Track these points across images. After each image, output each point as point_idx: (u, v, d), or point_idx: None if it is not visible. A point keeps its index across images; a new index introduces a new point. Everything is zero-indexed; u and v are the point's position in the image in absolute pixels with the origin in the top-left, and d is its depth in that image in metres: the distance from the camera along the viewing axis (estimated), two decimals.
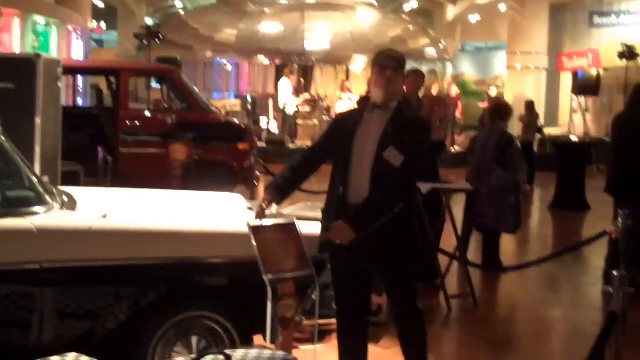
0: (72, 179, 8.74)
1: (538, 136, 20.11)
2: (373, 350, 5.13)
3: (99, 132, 12.18)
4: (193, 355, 3.43)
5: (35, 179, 4.83)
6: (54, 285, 4.36)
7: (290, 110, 22.11)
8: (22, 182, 4.78)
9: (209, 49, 26.19)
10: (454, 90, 23.99)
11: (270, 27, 26.36)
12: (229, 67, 26.42)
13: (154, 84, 14.80)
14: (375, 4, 30.63)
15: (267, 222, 4.57)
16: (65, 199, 5.07)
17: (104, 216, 4.60)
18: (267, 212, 4.65)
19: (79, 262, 4.39)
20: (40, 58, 7.54)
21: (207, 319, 4.63)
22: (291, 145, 21.21)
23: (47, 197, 4.74)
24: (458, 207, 9.03)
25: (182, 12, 35.57)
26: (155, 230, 4.68)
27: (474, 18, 35.15)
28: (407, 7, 36.43)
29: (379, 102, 4.58)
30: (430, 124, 8.56)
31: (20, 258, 4.31)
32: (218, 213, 5.40)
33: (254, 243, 4.39)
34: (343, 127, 4.66)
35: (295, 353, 4.47)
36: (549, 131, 23.64)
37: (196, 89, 13.72)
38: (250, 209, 5.67)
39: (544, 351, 6.58)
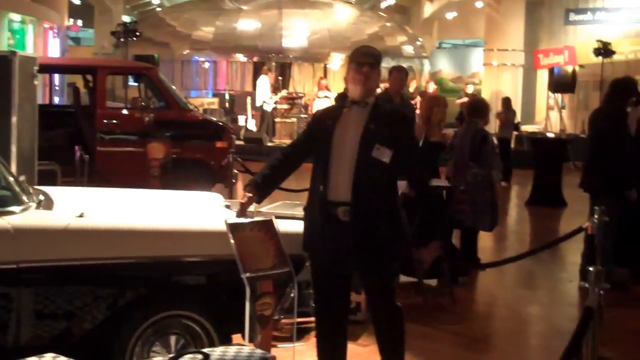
0: (49, 178, 8.70)
1: (515, 133, 20.21)
2: (352, 347, 5.13)
3: (76, 131, 12.11)
4: (171, 355, 3.43)
5: (11, 178, 4.80)
6: (31, 285, 4.33)
7: (268, 108, 22.08)
8: None
9: (186, 47, 26.12)
10: (432, 88, 24.02)
11: (247, 25, 26.33)
12: (207, 65, 26.35)
13: (132, 82, 14.72)
14: (352, 1, 30.68)
15: (245, 220, 4.56)
16: (42, 198, 5.05)
17: (81, 215, 4.58)
18: (247, 210, 4.65)
19: (56, 261, 4.37)
20: (16, 56, 7.50)
21: (185, 318, 4.62)
22: (269, 143, 21.19)
23: (24, 197, 4.71)
24: None
25: (159, 10, 35.48)
26: (132, 229, 4.67)
27: (450, 15, 35.25)
28: (383, 4, 36.49)
29: (356, 98, 4.59)
30: (412, 116, 8.60)
31: None
32: (196, 211, 5.39)
33: (232, 241, 4.38)
34: (322, 125, 4.66)
35: (273, 351, 4.48)
36: (526, 128, 23.76)
37: (174, 87, 13.67)
38: (228, 207, 5.67)
39: (521, 347, 6.62)
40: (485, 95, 25.64)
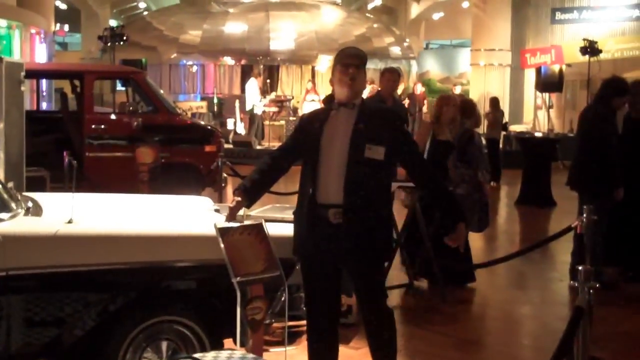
0: (37, 185, 8.68)
1: (503, 133, 20.25)
2: (343, 351, 5.13)
3: (64, 137, 12.08)
4: None
5: None
6: (20, 293, 4.32)
7: (258, 111, 22.07)
8: None
9: (173, 51, 26.11)
10: (420, 89, 24.09)
11: (234, 28, 26.35)
12: (194, 69, 26.34)
13: (119, 87, 14.70)
14: (339, 2, 30.71)
15: (234, 224, 4.55)
16: (31, 204, 5.03)
17: (70, 222, 4.56)
18: (236, 215, 4.65)
19: (45, 268, 4.35)
20: (2, 62, 7.48)
21: (176, 323, 4.61)
22: (258, 147, 21.19)
23: (12, 204, 4.70)
24: None
25: (146, 14, 35.44)
26: (122, 234, 4.65)
27: (437, 15, 35.36)
28: (370, 5, 36.57)
29: (344, 100, 4.58)
30: (405, 117, 8.62)
31: None
32: (185, 216, 5.38)
33: (222, 245, 4.37)
34: (309, 128, 4.64)
35: (265, 356, 4.47)
36: (514, 128, 23.82)
37: (162, 91, 13.66)
38: (218, 211, 5.66)
39: (513, 347, 6.62)
40: (473, 95, 25.72)
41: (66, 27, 37.49)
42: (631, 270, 8.41)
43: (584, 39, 22.23)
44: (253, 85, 22.22)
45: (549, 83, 22.00)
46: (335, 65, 4.63)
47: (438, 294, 7.67)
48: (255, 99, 21.97)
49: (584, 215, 5.18)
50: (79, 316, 4.41)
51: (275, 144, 21.17)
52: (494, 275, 8.71)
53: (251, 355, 3.51)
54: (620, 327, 6.97)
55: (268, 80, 24.72)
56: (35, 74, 13.48)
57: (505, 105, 23.85)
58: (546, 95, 25.52)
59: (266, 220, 4.72)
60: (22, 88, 8.10)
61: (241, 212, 4.76)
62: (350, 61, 4.57)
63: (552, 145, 16.05)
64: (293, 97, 24.04)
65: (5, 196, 4.70)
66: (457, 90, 24.36)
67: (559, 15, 28.17)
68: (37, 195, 5.47)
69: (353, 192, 4.43)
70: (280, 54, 25.93)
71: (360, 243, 4.46)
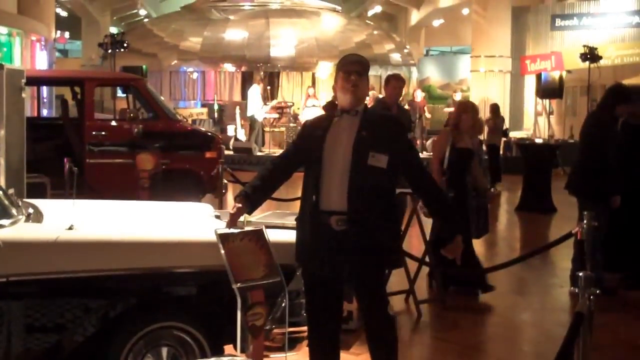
0: (38, 191, 8.68)
1: (503, 139, 20.27)
2: (344, 356, 5.13)
3: (64, 143, 12.09)
4: None
5: (0, 192, 4.79)
6: (21, 299, 4.32)
7: (259, 118, 22.09)
8: None
9: (174, 57, 26.15)
10: (420, 95, 24.09)
11: (235, 35, 26.39)
12: (195, 75, 26.36)
13: (120, 94, 14.72)
14: (340, 9, 30.75)
15: (235, 230, 4.55)
16: (31, 211, 5.04)
17: (71, 228, 4.57)
18: (237, 221, 4.65)
19: (46, 274, 4.35)
20: (3, 69, 7.49)
21: (177, 329, 4.61)
22: (259, 153, 21.20)
23: (13, 210, 4.70)
24: None
25: (146, 21, 35.50)
26: (122, 241, 4.66)
27: (437, 22, 35.40)
28: (370, 12, 36.63)
29: (346, 107, 4.58)
30: (409, 124, 8.59)
31: None
32: (186, 222, 5.39)
33: (223, 251, 4.37)
34: (312, 135, 4.64)
35: None
36: (514, 134, 23.84)
37: (162, 98, 13.68)
38: (218, 217, 5.66)
39: (513, 354, 6.62)
40: (474, 102, 25.69)
41: (67, 34, 37.54)
42: (632, 276, 8.41)
43: (584, 46, 22.27)
44: (256, 91, 22.23)
45: (549, 89, 22.04)
46: (338, 72, 4.63)
47: (438, 299, 7.67)
48: (257, 105, 21.98)
49: (584, 221, 5.18)
50: (80, 322, 4.41)
51: (276, 151, 21.21)
52: (495, 281, 8.68)
53: None
54: (620, 333, 6.96)
55: (268, 87, 24.75)
56: (36, 81, 13.48)
57: (505, 112, 23.86)
58: (546, 101, 25.57)
59: (267, 227, 4.72)
60: (23, 95, 8.11)
61: (242, 218, 4.76)
62: (353, 68, 4.58)
63: (552, 152, 16.07)
64: (293, 104, 24.06)
65: (6, 202, 4.71)
66: (457, 96, 24.36)
67: (559, 22, 28.22)
68: (37, 202, 5.48)
69: (356, 199, 4.42)
70: (281, 60, 25.96)
71: (363, 250, 4.46)
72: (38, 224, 4.80)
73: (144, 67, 21.15)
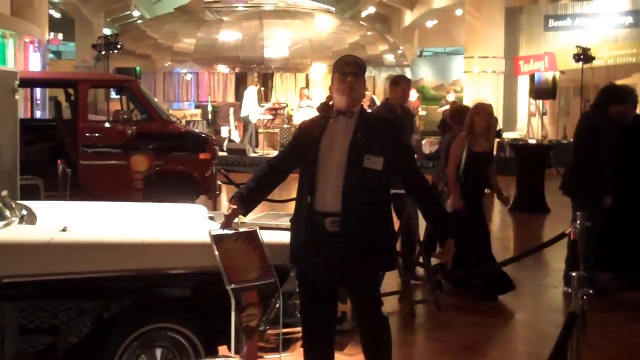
0: (31, 193, 8.67)
1: (497, 140, 20.27)
2: (338, 357, 5.13)
3: (58, 145, 12.08)
4: None
5: None
6: (15, 300, 4.32)
7: (254, 119, 22.08)
8: None
9: (167, 59, 26.12)
10: (414, 96, 24.10)
11: (228, 36, 26.37)
12: (189, 77, 26.34)
13: (114, 95, 14.71)
14: (333, 10, 30.75)
15: (229, 231, 4.56)
16: (25, 213, 5.04)
17: (64, 229, 4.57)
18: (231, 222, 4.65)
19: (40, 276, 4.35)
20: None
21: (171, 330, 4.61)
22: (252, 154, 21.19)
23: (6, 212, 4.70)
24: None
25: (140, 22, 35.47)
26: (116, 242, 4.66)
27: (431, 23, 35.42)
28: (364, 13, 36.64)
29: (342, 108, 4.58)
30: (412, 125, 8.58)
31: None
32: (180, 224, 5.39)
33: (217, 252, 4.38)
34: (308, 136, 4.64)
35: None
36: (508, 135, 23.86)
37: (156, 99, 13.67)
38: (212, 218, 5.66)
39: (507, 354, 6.63)
40: (467, 102, 25.72)
41: (60, 36, 37.43)
42: (625, 276, 8.43)
43: (577, 46, 22.30)
44: (252, 93, 22.21)
45: (542, 90, 22.06)
46: (334, 73, 4.63)
47: (432, 300, 7.68)
48: (253, 106, 21.97)
49: (577, 221, 5.20)
50: (73, 324, 4.41)
51: (270, 152, 21.20)
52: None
53: None
54: (613, 333, 6.98)
55: (262, 88, 24.74)
56: (29, 82, 13.48)
57: (498, 113, 23.87)
58: (539, 102, 25.59)
59: (261, 228, 4.73)
60: (16, 97, 8.10)
61: (236, 219, 4.76)
62: (349, 69, 4.58)
63: (545, 152, 16.10)
64: (287, 105, 24.06)
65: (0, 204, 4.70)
66: (451, 97, 24.39)
67: (552, 23, 28.24)
68: (31, 204, 5.47)
69: (350, 201, 4.43)
70: (274, 61, 25.95)
71: (357, 251, 4.46)
72: (31, 226, 4.80)
73: (137, 68, 21.14)
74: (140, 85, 12.63)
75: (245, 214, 4.81)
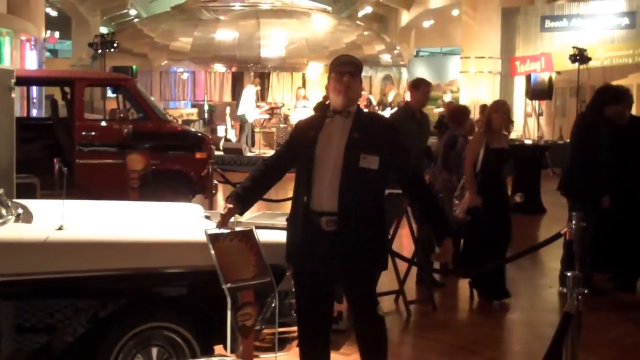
0: (27, 191, 8.65)
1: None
2: (334, 356, 5.14)
3: (54, 143, 12.07)
4: None
5: None
6: (10, 299, 4.32)
7: (250, 119, 22.06)
8: None
9: (164, 58, 26.10)
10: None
11: (225, 35, 26.35)
12: (185, 76, 26.33)
13: (110, 94, 14.69)
14: (330, 10, 30.75)
15: (225, 230, 4.56)
16: (21, 211, 5.03)
17: (60, 228, 4.56)
18: (227, 222, 4.65)
19: (36, 274, 4.35)
20: None
21: (167, 329, 4.61)
22: (249, 153, 21.18)
23: (2, 210, 4.70)
24: None
25: (136, 21, 35.44)
26: (112, 241, 4.66)
27: (427, 23, 35.45)
28: (361, 13, 36.66)
29: (339, 108, 4.58)
30: (427, 125, 8.58)
31: None
32: (176, 223, 5.39)
33: (213, 252, 4.38)
34: (304, 135, 4.64)
35: None
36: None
37: (152, 98, 13.66)
38: (208, 217, 5.66)
39: (503, 354, 6.64)
40: (463, 103, 25.74)
41: (57, 34, 37.39)
42: (621, 277, 8.44)
43: (574, 47, 22.30)
44: (251, 92, 22.19)
45: (538, 91, 22.05)
46: (330, 73, 4.63)
47: (428, 299, 7.68)
48: (250, 106, 21.94)
49: (573, 222, 5.21)
50: (69, 322, 4.41)
51: (266, 151, 21.19)
52: None
53: None
54: (609, 333, 6.99)
55: (259, 88, 24.74)
56: (25, 80, 13.44)
57: None
58: (536, 102, 25.60)
59: (257, 227, 4.73)
60: (12, 95, 8.09)
61: (232, 218, 4.77)
62: (345, 69, 4.58)
63: (541, 153, 16.09)
64: (284, 105, 24.05)
65: None
66: (447, 97, 24.40)
67: (548, 23, 28.27)
68: (27, 202, 5.47)
69: (346, 200, 4.43)
70: (271, 61, 25.94)
71: (353, 251, 4.47)
72: (28, 224, 4.79)
73: (134, 67, 21.10)
74: (136, 84, 12.62)
75: (241, 213, 4.81)
